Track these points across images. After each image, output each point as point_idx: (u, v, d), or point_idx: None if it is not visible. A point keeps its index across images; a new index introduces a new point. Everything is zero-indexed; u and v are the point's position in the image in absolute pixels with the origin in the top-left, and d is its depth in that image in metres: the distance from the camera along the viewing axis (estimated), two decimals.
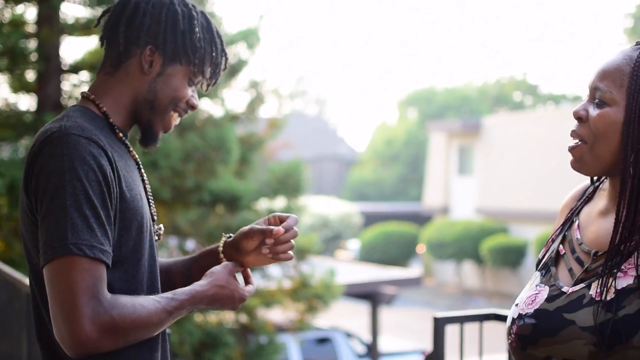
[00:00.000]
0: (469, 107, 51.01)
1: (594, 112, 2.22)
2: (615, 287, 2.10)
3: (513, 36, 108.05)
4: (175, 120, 2.45)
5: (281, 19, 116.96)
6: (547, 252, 2.44)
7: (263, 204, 11.30)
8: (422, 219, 38.12)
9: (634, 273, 2.10)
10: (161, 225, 2.50)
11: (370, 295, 16.60)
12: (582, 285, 2.19)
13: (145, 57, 2.35)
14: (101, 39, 2.44)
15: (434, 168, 35.52)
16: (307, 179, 11.41)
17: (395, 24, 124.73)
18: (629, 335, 2.03)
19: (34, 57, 9.05)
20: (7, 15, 9.78)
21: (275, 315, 12.24)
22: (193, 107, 2.45)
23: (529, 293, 2.32)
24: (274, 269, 11.35)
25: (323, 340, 14.64)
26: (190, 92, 2.43)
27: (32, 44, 9.15)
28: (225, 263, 2.42)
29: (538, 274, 2.38)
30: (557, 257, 2.36)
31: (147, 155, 9.64)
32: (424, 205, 36.73)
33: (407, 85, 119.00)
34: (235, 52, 10.66)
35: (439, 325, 3.69)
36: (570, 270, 2.29)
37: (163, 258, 2.55)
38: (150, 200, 2.42)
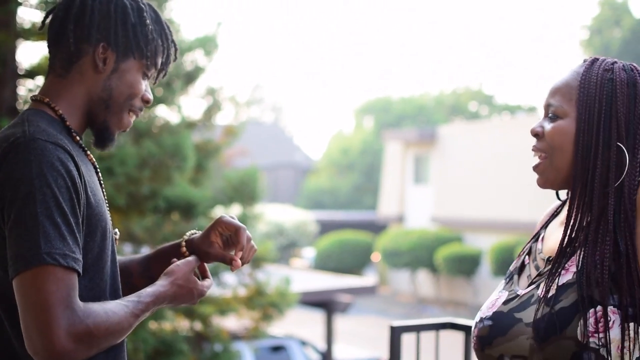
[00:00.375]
0: (425, 116, 51.26)
1: (548, 126, 2.37)
2: (557, 284, 2.24)
3: (469, 46, 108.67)
4: (132, 118, 2.40)
5: (238, 26, 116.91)
6: (516, 264, 2.58)
7: (219, 211, 11.27)
8: (377, 228, 38.22)
9: (574, 269, 2.25)
10: (116, 230, 2.45)
11: (325, 304, 16.62)
12: (532, 286, 2.35)
13: (99, 55, 2.29)
14: (48, 41, 2.36)
15: (389, 177, 35.63)
16: (262, 186, 11.39)
17: (352, 32, 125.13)
18: (563, 327, 2.17)
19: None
20: None
21: (230, 323, 12.20)
22: (148, 101, 2.40)
23: (492, 298, 2.46)
24: (229, 277, 11.32)
25: (278, 348, 14.65)
26: (144, 86, 2.39)
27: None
28: (186, 260, 2.36)
29: (503, 282, 2.53)
30: (521, 267, 2.51)
31: (102, 162, 9.57)
32: (379, 214, 36.83)
33: (364, 94, 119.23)
34: (193, 59, 10.62)
35: (396, 334, 3.70)
36: (528, 276, 2.44)
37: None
38: (107, 204, 2.37)
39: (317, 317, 23.15)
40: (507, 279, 2.51)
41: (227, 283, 11.17)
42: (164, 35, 2.40)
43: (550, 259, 2.38)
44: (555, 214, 2.60)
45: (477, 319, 2.43)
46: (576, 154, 2.31)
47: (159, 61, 2.39)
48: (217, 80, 13.69)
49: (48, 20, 2.39)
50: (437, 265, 29.32)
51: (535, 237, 2.57)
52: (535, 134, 2.41)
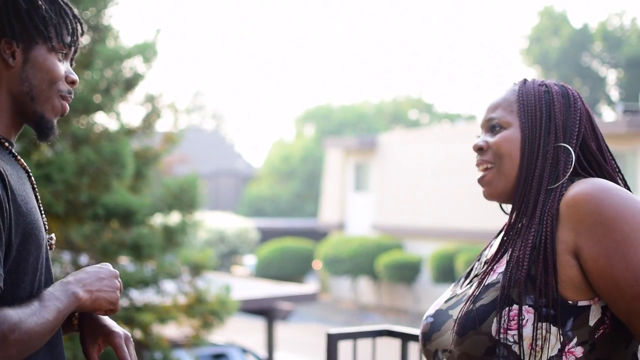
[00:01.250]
0: (365, 124, 51.48)
1: (492, 138, 2.49)
2: (484, 284, 2.37)
3: (410, 55, 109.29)
4: (65, 103, 2.35)
5: (179, 33, 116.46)
6: (467, 270, 2.72)
7: (158, 219, 11.21)
8: (318, 235, 38.28)
9: (500, 270, 2.36)
10: (52, 235, 2.42)
11: (265, 311, 16.63)
12: (467, 286, 2.51)
13: (5, 51, 2.24)
14: None
15: (330, 184, 35.71)
16: (202, 194, 11.34)
17: (291, 40, 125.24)
18: (480, 323, 2.28)
19: None
20: None
21: (170, 331, 12.13)
22: (73, 82, 2.35)
23: (439, 299, 2.62)
24: (168, 285, 11.25)
25: (219, 356, 14.61)
26: (64, 68, 2.33)
27: None
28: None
29: (452, 284, 2.69)
30: (469, 273, 2.64)
31: (41, 169, 9.49)
32: (320, 221, 36.89)
33: (305, 101, 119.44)
34: (132, 65, 10.56)
35: (332, 342, 3.72)
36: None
37: (56, 273, 2.48)
38: (42, 210, 2.33)
39: (258, 325, 23.12)
40: (456, 282, 2.65)
41: (166, 291, 11.10)
42: (63, 13, 2.33)
43: (487, 261, 2.51)
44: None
45: (424, 317, 2.57)
46: (522, 159, 2.42)
47: (67, 39, 2.33)
48: (157, 87, 13.57)
49: None
50: (378, 273, 29.43)
51: (487, 246, 2.69)
52: (478, 149, 2.52)
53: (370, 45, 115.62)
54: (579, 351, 2.23)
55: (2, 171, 2.09)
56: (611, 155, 2.48)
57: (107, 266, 2.34)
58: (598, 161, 2.43)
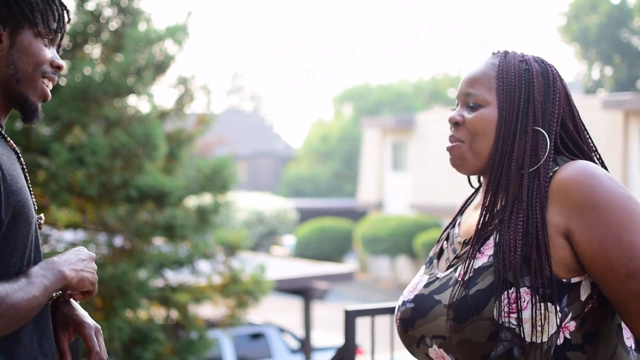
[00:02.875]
0: (404, 103, 51.34)
1: (469, 115, 2.48)
2: (473, 267, 2.35)
3: (448, 33, 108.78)
4: (48, 86, 2.42)
5: (217, 15, 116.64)
6: (435, 249, 2.68)
7: (192, 201, 11.30)
8: (356, 215, 38.31)
9: (489, 253, 2.34)
10: (42, 215, 2.48)
11: (302, 291, 16.66)
12: (451, 269, 2.46)
13: None
14: None
15: (368, 164, 35.69)
16: (235, 175, 11.39)
17: (330, 20, 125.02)
18: (480, 308, 2.27)
19: None
20: None
21: (206, 311, 12.23)
22: (59, 67, 2.42)
23: (413, 282, 2.56)
24: (203, 265, 11.35)
25: (256, 336, 14.68)
26: (50, 53, 2.40)
27: None
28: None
29: (423, 267, 2.63)
30: (440, 252, 2.61)
31: (74, 152, 9.60)
32: (358, 201, 36.90)
33: (343, 81, 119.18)
34: (162, 48, 10.62)
35: (350, 318, 3.78)
36: (447, 260, 2.55)
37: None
38: (31, 190, 2.40)
39: (295, 305, 23.22)
40: (428, 264, 2.61)
41: (201, 271, 11.20)
42: (50, 0, 2.41)
43: (467, 241, 2.48)
44: (470, 201, 2.71)
45: (400, 302, 2.53)
46: (497, 139, 2.42)
47: (53, 25, 2.40)
48: (190, 69, 13.62)
49: None
50: (416, 252, 29.41)
51: (452, 224, 2.68)
52: (455, 122, 2.50)
53: (408, 23, 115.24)
54: (572, 325, 2.27)
55: None
56: (588, 134, 2.50)
57: (84, 249, 2.41)
58: (576, 141, 2.46)
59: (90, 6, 10.34)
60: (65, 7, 2.47)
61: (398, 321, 2.51)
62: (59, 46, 2.48)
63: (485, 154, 2.44)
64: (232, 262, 11.62)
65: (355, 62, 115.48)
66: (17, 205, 2.21)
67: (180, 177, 11.10)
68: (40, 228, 2.44)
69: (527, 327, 2.23)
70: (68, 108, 9.59)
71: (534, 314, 2.24)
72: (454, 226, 2.65)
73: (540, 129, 2.39)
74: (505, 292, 2.24)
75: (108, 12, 10.52)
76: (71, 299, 2.44)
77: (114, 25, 10.63)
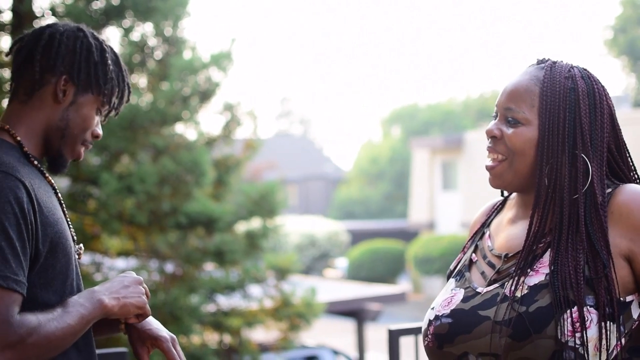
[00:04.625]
0: (452, 122, 51.17)
1: (508, 130, 2.42)
2: (527, 284, 2.30)
3: (495, 50, 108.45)
4: (82, 150, 2.54)
5: (265, 41, 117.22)
6: (459, 262, 2.63)
7: (241, 226, 11.37)
8: (408, 235, 38.19)
9: (545, 271, 2.30)
10: (81, 245, 2.59)
11: (355, 313, 16.67)
12: (495, 285, 2.39)
13: (60, 86, 2.44)
14: (14, 68, 2.51)
15: (418, 184, 35.64)
16: (283, 199, 11.46)
17: (377, 42, 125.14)
18: (543, 326, 2.22)
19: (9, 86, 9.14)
20: None
21: (259, 334, 12.28)
22: (97, 137, 2.55)
23: (445, 296, 2.49)
24: (254, 289, 11.41)
25: (310, 359, 14.70)
26: (96, 122, 2.54)
27: (8, 73, 9.23)
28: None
29: (452, 280, 2.56)
30: (470, 265, 2.55)
31: (122, 181, 9.72)
32: (409, 222, 36.83)
33: (391, 102, 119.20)
34: (207, 75, 10.73)
35: (393, 337, 3.80)
36: (482, 273, 2.48)
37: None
38: (69, 222, 2.50)
39: (348, 327, 23.19)
40: (458, 277, 2.55)
41: (252, 295, 11.25)
42: (121, 77, 2.56)
43: (507, 255, 2.43)
44: (495, 212, 2.68)
45: (432, 316, 2.46)
46: (540, 161, 2.37)
47: (114, 100, 2.55)
48: (237, 95, 13.75)
49: (16, 49, 2.54)
50: None
51: (480, 235, 2.64)
52: (492, 136, 2.46)
53: (455, 42, 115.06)
54: (623, 342, 2.28)
55: (29, 185, 2.27)
56: (628, 152, 2.47)
57: (131, 274, 2.50)
58: (617, 162, 2.44)
59: (135, 37, 10.48)
60: (130, 88, 2.62)
61: (431, 336, 2.43)
62: (105, 118, 2.61)
63: (524, 172, 2.42)
64: (283, 286, 11.67)
65: (402, 83, 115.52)
66: (54, 236, 2.31)
67: (229, 203, 11.18)
68: (79, 258, 2.54)
69: (590, 346, 2.22)
70: (116, 138, 9.72)
71: (601, 334, 2.23)
72: (481, 238, 2.62)
73: (585, 157, 2.35)
74: (569, 311, 2.22)
75: (153, 42, 10.65)
76: None
77: (158, 54, 10.76)
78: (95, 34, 2.56)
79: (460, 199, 32.71)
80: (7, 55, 2.63)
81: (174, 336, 2.57)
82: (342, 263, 35.26)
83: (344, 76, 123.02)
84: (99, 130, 2.56)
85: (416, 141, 36.36)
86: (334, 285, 19.36)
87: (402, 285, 31.13)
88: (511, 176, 2.44)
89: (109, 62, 2.51)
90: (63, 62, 2.45)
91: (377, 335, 23.95)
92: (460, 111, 53.70)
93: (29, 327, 2.15)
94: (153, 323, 2.55)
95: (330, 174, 58.81)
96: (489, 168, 2.48)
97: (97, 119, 2.54)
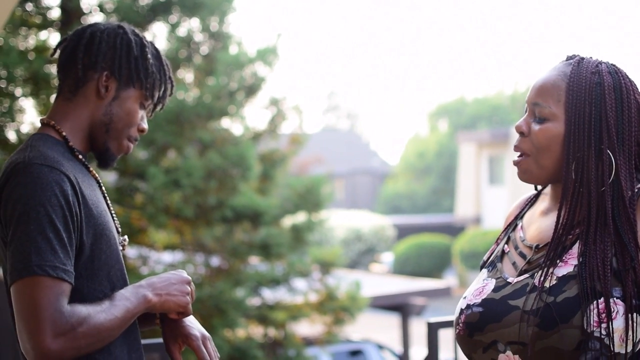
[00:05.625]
0: (499, 116, 50.90)
1: (535, 127, 2.47)
2: (556, 275, 2.34)
3: (543, 43, 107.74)
4: (130, 145, 2.62)
5: (312, 36, 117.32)
6: (492, 253, 2.67)
7: (287, 219, 11.44)
8: (455, 230, 38.10)
9: (573, 262, 2.34)
10: (125, 237, 2.66)
11: (400, 307, 16.68)
12: (526, 275, 2.43)
13: (102, 82, 2.52)
14: (59, 67, 2.60)
15: (465, 179, 35.55)
16: (329, 193, 11.51)
17: (424, 36, 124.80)
18: (569, 316, 2.26)
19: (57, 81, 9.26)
20: (32, 41, 10.05)
21: (303, 328, 12.34)
22: (142, 131, 2.63)
23: (477, 286, 2.55)
24: (299, 283, 11.47)
25: (355, 353, 14.71)
26: (141, 116, 2.61)
27: (55, 69, 9.35)
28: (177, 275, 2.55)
29: (485, 270, 2.61)
30: (502, 255, 2.59)
31: (169, 175, 9.81)
32: (456, 216, 36.75)
33: (438, 96, 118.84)
34: (253, 70, 10.81)
35: (432, 330, 3.85)
36: (514, 264, 2.52)
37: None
38: (113, 215, 2.58)
39: (393, 321, 23.21)
40: (490, 267, 2.59)
41: (297, 289, 11.32)
42: (162, 71, 2.63)
43: (539, 246, 2.48)
44: (529, 205, 2.72)
45: (463, 305, 2.51)
46: (567, 156, 2.40)
47: (156, 94, 2.62)
48: (283, 90, 13.78)
49: (60, 48, 2.64)
50: None
51: (513, 227, 2.68)
52: (520, 132, 2.50)
53: (502, 35, 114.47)
54: None
55: (74, 179, 2.36)
56: None
57: (181, 272, 2.56)
58: None
59: (181, 32, 10.58)
60: (172, 82, 2.69)
61: (462, 324, 2.47)
62: (151, 112, 2.69)
63: (550, 167, 2.45)
64: (327, 280, 11.72)
65: (449, 76, 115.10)
66: (97, 228, 2.39)
67: (275, 197, 11.26)
68: (123, 249, 2.62)
69: (616, 337, 2.25)
70: (163, 132, 9.83)
71: (628, 325, 2.26)
72: (514, 229, 2.66)
73: (611, 150, 2.38)
74: (595, 302, 2.25)
75: (199, 37, 10.76)
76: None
77: (205, 49, 10.86)
78: (136, 30, 2.63)
79: (507, 194, 32.57)
80: (52, 55, 2.72)
81: (208, 335, 2.62)
82: (388, 258, 35.22)
83: (391, 70, 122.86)
84: (145, 125, 2.63)
85: (463, 135, 36.26)
86: (379, 280, 19.41)
87: (448, 280, 31.07)
88: (538, 171, 2.48)
89: (149, 56, 2.58)
90: (104, 58, 2.53)
91: (422, 330, 23.87)
92: (508, 105, 53.40)
93: (80, 316, 2.22)
94: (186, 320, 2.60)
95: (377, 169, 58.75)
96: (515, 163, 2.53)
97: (141, 113, 2.61)
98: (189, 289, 2.53)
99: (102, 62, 2.53)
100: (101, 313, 2.28)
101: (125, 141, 2.60)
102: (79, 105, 2.54)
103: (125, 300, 2.36)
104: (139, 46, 2.58)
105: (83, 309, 2.25)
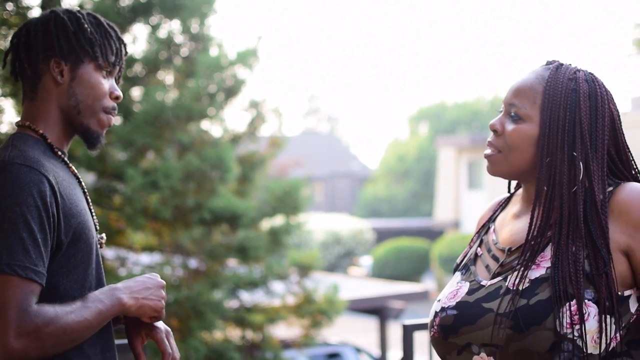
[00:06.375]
0: (479, 121, 51.04)
1: (509, 126, 2.52)
2: (529, 277, 2.39)
3: (523, 49, 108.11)
4: (111, 118, 2.60)
5: (291, 38, 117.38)
6: (465, 256, 2.71)
7: (265, 222, 11.44)
8: (434, 234, 38.15)
9: (546, 265, 2.39)
10: (103, 235, 2.66)
11: (378, 311, 16.71)
12: (499, 278, 2.48)
13: (54, 70, 2.51)
14: (12, 75, 2.60)
15: (444, 183, 35.62)
16: (307, 196, 11.52)
17: (404, 40, 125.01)
18: (542, 318, 2.31)
19: None
20: None
21: (281, 331, 12.35)
22: (117, 98, 2.60)
23: (451, 289, 2.59)
24: (277, 286, 11.47)
25: (333, 356, 14.70)
26: (109, 85, 2.59)
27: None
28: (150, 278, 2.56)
29: (458, 273, 2.65)
30: (475, 259, 2.64)
31: (148, 176, 9.80)
32: (435, 220, 36.79)
33: (418, 100, 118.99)
34: (233, 72, 10.82)
35: (408, 332, 3.86)
36: (487, 266, 2.57)
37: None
38: (92, 212, 2.58)
39: (371, 325, 23.24)
40: (463, 270, 2.64)
41: (275, 292, 11.32)
42: (108, 35, 2.59)
43: (511, 249, 2.52)
44: (501, 208, 2.76)
45: (437, 308, 2.55)
46: (540, 158, 2.45)
47: (111, 59, 2.59)
48: (262, 93, 13.80)
49: (6, 58, 2.66)
50: None
51: (485, 230, 2.72)
52: (494, 130, 2.56)
53: (483, 40, 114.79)
54: (618, 335, 2.36)
55: (53, 179, 2.36)
56: (631, 154, 2.55)
57: (156, 277, 2.57)
58: (617, 164, 2.51)
59: (162, 34, 10.57)
60: (123, 41, 2.67)
61: (436, 327, 2.52)
62: (118, 78, 2.66)
63: (520, 166, 2.51)
64: (305, 283, 11.73)
65: (430, 81, 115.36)
66: (77, 227, 2.40)
67: (253, 199, 11.26)
68: (101, 247, 2.62)
69: (588, 338, 2.30)
70: (142, 133, 9.81)
71: (601, 326, 2.31)
72: (486, 232, 2.70)
73: (584, 155, 2.43)
74: (568, 304, 2.30)
75: (179, 39, 10.75)
76: None
77: (185, 51, 10.86)
78: (70, 8, 2.61)
79: (486, 198, 32.62)
80: (3, 67, 2.73)
81: (169, 329, 2.64)
82: (366, 261, 35.25)
83: (372, 74, 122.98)
84: (118, 92, 2.61)
85: (442, 140, 36.33)
86: (357, 283, 19.42)
87: (426, 284, 31.12)
88: (507, 167, 2.54)
89: (86, 26, 2.54)
90: (45, 47, 2.52)
91: (399, 334, 24.01)
92: (488, 110, 53.53)
93: (46, 317, 2.23)
94: None
95: (356, 172, 58.78)
96: (486, 156, 2.57)
97: (108, 82, 2.59)
98: (164, 293, 2.55)
99: (44, 52, 2.52)
100: (70, 314, 2.28)
101: (102, 114, 2.58)
102: (44, 100, 2.53)
103: (99, 302, 2.36)
104: (73, 21, 2.55)
105: (50, 310, 2.25)
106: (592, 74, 2.55)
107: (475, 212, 32.87)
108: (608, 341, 2.33)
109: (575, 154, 2.42)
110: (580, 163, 2.41)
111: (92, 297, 2.37)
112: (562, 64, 2.55)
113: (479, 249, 2.66)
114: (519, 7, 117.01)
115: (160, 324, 2.62)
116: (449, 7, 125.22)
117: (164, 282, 2.57)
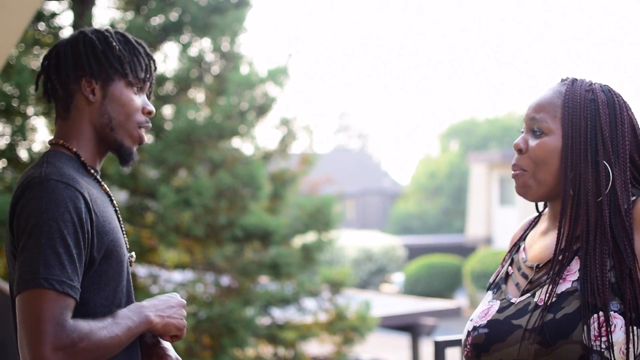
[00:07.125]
0: (510, 136, 50.83)
1: (533, 142, 2.54)
2: (555, 292, 2.40)
3: (553, 63, 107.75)
4: (143, 132, 2.64)
5: (324, 56, 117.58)
6: (497, 276, 2.73)
7: (297, 239, 11.46)
8: (466, 250, 38.00)
9: (571, 279, 2.40)
10: (133, 253, 2.69)
11: (410, 327, 16.68)
12: (527, 294, 2.49)
13: (85, 89, 2.55)
14: (44, 96, 2.64)
15: (475, 199, 35.50)
16: (339, 213, 11.54)
17: (435, 57, 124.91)
18: (569, 332, 2.32)
19: None
20: None
21: (313, 348, 12.35)
22: (150, 113, 2.64)
23: (483, 308, 2.60)
24: (309, 303, 11.49)
25: None
26: (140, 100, 2.63)
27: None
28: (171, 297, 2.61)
29: (490, 292, 2.67)
30: (506, 277, 2.65)
31: (180, 194, 9.86)
32: (467, 237, 36.66)
33: (449, 117, 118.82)
34: (264, 90, 10.86)
35: (440, 349, 3.85)
36: (517, 284, 2.58)
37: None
38: (123, 230, 2.61)
39: (403, 342, 23.19)
40: (495, 289, 2.65)
41: (307, 309, 11.33)
42: (136, 52, 2.63)
43: (539, 266, 2.53)
44: (531, 226, 2.76)
45: (470, 327, 2.56)
46: (564, 169, 2.46)
47: (141, 75, 2.63)
48: (293, 110, 13.85)
49: (39, 81, 2.69)
50: None
51: (516, 249, 2.73)
52: (518, 149, 2.57)
53: (515, 56, 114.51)
54: None
55: (87, 196, 2.40)
56: None
57: (176, 296, 2.61)
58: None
59: (192, 52, 10.65)
60: (152, 57, 2.71)
61: (469, 346, 2.53)
62: (149, 93, 2.70)
63: (548, 182, 2.51)
64: (337, 300, 11.73)
65: (461, 97, 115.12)
66: (109, 244, 2.43)
67: (285, 216, 11.29)
68: (131, 265, 2.65)
69: (615, 349, 2.30)
70: (174, 151, 9.87)
71: (628, 338, 2.31)
72: (517, 251, 2.71)
73: (607, 162, 2.44)
74: (594, 316, 2.31)
75: (210, 57, 10.82)
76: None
77: (216, 69, 10.93)
78: (98, 28, 2.66)
79: (518, 214, 32.50)
80: (36, 90, 2.76)
81: (180, 358, 2.67)
82: (398, 278, 35.17)
83: (403, 91, 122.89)
84: (150, 107, 2.65)
85: (474, 156, 36.22)
86: (389, 300, 19.39)
87: (458, 300, 31.01)
88: (536, 186, 2.53)
89: (114, 44, 2.58)
90: (74, 68, 2.56)
91: (431, 350, 23.85)
92: (519, 126, 53.36)
93: (81, 332, 2.25)
94: (163, 342, 2.65)
95: (387, 189, 58.70)
96: (513, 176, 2.59)
97: (139, 98, 2.63)
98: (185, 312, 2.59)
99: (75, 72, 2.56)
100: (103, 330, 2.31)
101: (136, 130, 2.62)
102: (76, 119, 2.57)
103: (128, 319, 2.39)
104: (102, 40, 2.59)
105: (85, 325, 2.28)
106: (607, 85, 2.58)
107: (507, 228, 32.77)
108: (636, 352, 2.33)
109: (599, 160, 2.43)
110: (607, 167, 2.43)
111: (121, 314, 2.40)
112: (576, 79, 2.59)
113: (510, 267, 2.68)
114: (553, 27, 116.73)
115: (173, 353, 2.66)
116: (478, 24, 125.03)
117: (185, 302, 2.61)
